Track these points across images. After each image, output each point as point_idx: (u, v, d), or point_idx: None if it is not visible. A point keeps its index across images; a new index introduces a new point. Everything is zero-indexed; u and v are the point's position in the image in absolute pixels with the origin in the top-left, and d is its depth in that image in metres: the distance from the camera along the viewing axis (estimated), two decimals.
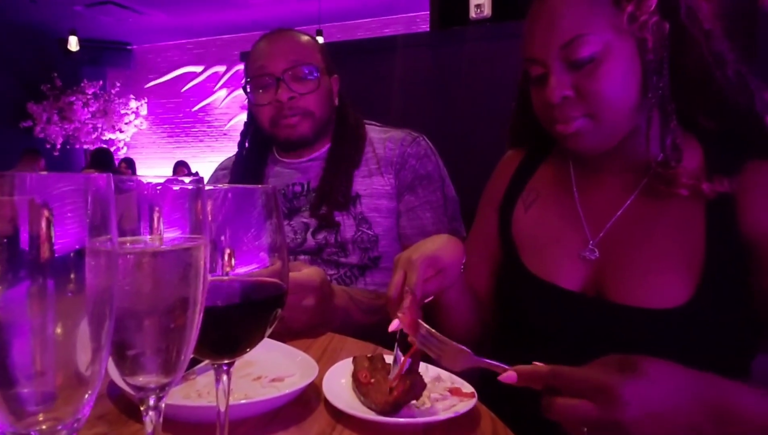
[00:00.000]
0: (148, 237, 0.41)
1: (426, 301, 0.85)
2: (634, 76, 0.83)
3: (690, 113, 0.86)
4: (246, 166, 1.45)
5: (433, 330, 0.68)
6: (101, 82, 8.72)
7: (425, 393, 0.70)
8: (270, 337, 0.57)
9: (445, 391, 0.72)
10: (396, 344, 0.73)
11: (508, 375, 0.63)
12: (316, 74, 1.32)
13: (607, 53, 0.81)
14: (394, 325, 0.72)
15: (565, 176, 0.99)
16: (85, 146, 8.41)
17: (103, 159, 6.57)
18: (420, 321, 0.71)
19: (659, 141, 0.84)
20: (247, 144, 1.48)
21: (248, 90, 1.36)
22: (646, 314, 0.80)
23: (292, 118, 1.31)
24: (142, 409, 0.42)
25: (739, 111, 0.82)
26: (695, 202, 0.83)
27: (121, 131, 8.82)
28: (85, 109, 8.36)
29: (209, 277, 0.44)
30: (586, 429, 0.59)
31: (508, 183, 1.07)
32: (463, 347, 0.67)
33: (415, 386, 0.66)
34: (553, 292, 0.90)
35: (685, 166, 0.83)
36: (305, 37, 1.38)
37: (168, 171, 8.37)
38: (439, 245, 0.86)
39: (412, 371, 0.68)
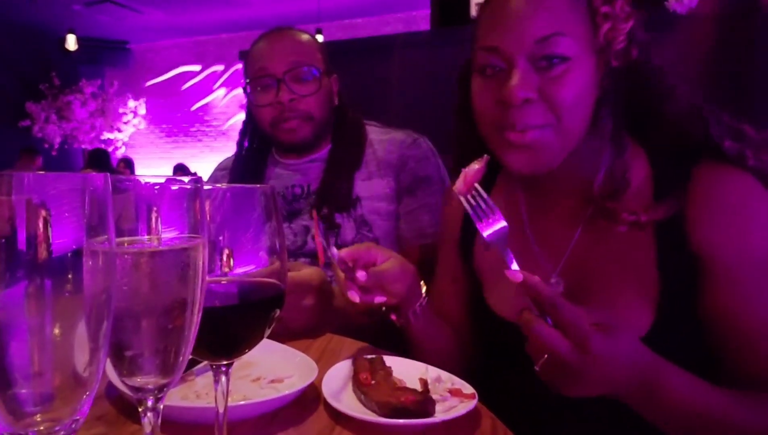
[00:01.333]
0: (146, 237, 0.41)
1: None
2: (591, 95, 0.79)
3: (640, 135, 0.84)
4: (245, 166, 1.45)
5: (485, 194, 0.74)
6: (99, 82, 8.70)
7: None
8: (269, 337, 0.57)
9: (446, 392, 0.72)
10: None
11: (515, 273, 0.67)
12: (317, 75, 1.31)
13: (576, 62, 0.77)
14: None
15: (515, 208, 0.94)
16: (84, 146, 8.39)
17: (100, 159, 6.56)
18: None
19: (608, 171, 0.79)
20: (246, 144, 1.48)
21: (248, 90, 1.35)
22: None
23: (293, 122, 1.30)
24: (140, 410, 0.42)
25: (691, 135, 0.80)
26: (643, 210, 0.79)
27: (119, 131, 8.80)
28: (84, 108, 8.34)
29: (207, 278, 0.43)
30: (545, 356, 0.64)
31: (463, 218, 1.01)
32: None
33: (427, 403, 0.66)
34: (517, 332, 0.87)
35: (629, 188, 0.79)
36: (305, 37, 1.37)
37: (166, 171, 8.36)
38: (396, 259, 0.88)
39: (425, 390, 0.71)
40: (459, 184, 0.76)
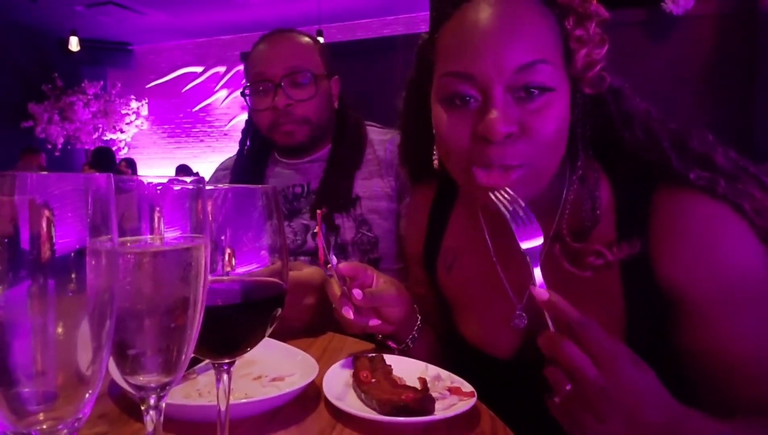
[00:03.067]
0: (149, 237, 0.41)
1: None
2: (566, 128, 0.73)
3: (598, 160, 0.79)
4: (247, 166, 1.45)
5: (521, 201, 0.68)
6: (102, 83, 8.71)
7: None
8: (270, 336, 0.57)
9: (445, 390, 0.73)
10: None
11: (541, 292, 0.62)
12: (314, 80, 1.30)
13: (557, 93, 0.70)
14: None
15: (478, 233, 0.87)
16: (86, 146, 8.41)
17: (104, 157, 6.55)
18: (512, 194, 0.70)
19: (577, 208, 0.75)
20: (248, 144, 1.48)
21: (246, 94, 1.35)
22: None
23: (289, 126, 1.31)
24: (142, 408, 0.43)
25: (652, 163, 0.74)
26: (606, 242, 0.74)
27: (121, 131, 8.82)
28: (86, 109, 8.36)
29: (209, 277, 0.44)
30: (568, 387, 0.58)
31: (425, 237, 0.97)
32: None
33: (426, 401, 0.66)
34: (485, 361, 0.85)
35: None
36: (305, 40, 1.37)
37: (168, 171, 8.36)
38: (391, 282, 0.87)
39: (424, 389, 0.71)
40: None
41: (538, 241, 0.65)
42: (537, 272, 0.65)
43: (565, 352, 0.57)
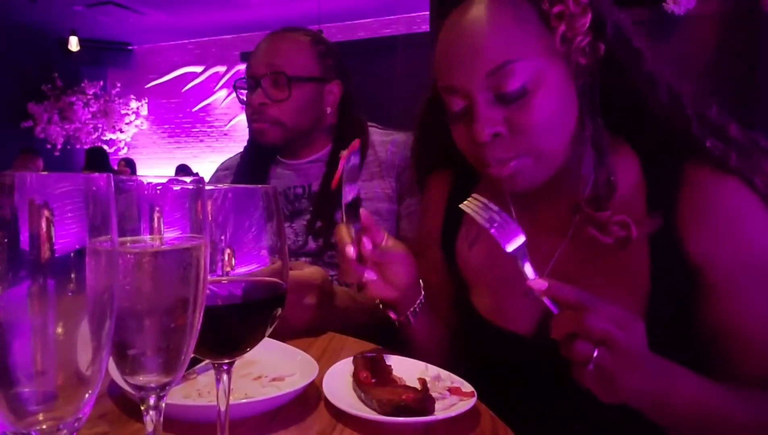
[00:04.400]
0: (149, 237, 0.41)
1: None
2: (570, 103, 0.74)
3: (624, 133, 0.80)
4: (249, 166, 1.45)
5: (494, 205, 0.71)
6: (102, 83, 8.71)
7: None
8: (270, 336, 0.57)
9: (445, 391, 0.72)
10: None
11: (538, 283, 0.64)
12: (289, 83, 1.29)
13: (540, 81, 0.71)
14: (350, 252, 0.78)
15: (503, 207, 0.87)
16: (86, 146, 8.41)
17: (97, 157, 6.52)
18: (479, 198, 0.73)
19: (593, 176, 0.76)
20: (250, 144, 1.49)
21: (237, 86, 1.38)
22: None
23: (261, 124, 1.32)
24: (142, 408, 0.43)
25: (676, 132, 0.75)
26: (634, 217, 0.75)
27: (121, 131, 8.82)
28: (86, 109, 8.36)
29: (209, 277, 0.44)
30: (595, 353, 0.60)
31: (443, 217, 0.98)
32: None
33: (427, 400, 0.66)
34: (503, 336, 0.85)
35: (617, 194, 0.75)
36: (301, 40, 1.35)
37: (169, 171, 8.36)
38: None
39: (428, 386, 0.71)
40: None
41: (520, 241, 0.68)
42: (527, 268, 0.68)
43: (590, 322, 0.60)
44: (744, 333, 0.72)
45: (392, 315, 0.89)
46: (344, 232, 0.80)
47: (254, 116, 1.32)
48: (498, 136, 0.73)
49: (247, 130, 1.50)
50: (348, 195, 0.79)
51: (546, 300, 0.65)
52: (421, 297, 0.89)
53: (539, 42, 0.72)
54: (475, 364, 0.94)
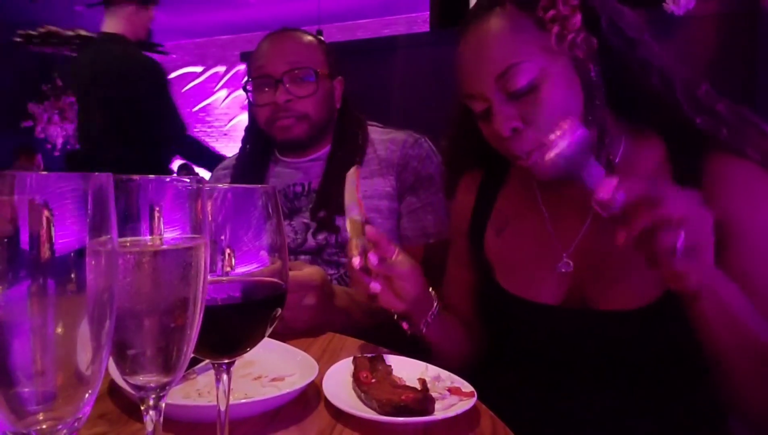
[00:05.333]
0: (149, 237, 0.41)
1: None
2: (575, 93, 0.82)
3: (634, 118, 0.86)
4: (248, 165, 1.45)
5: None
6: None
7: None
8: (270, 336, 0.57)
9: (445, 391, 0.73)
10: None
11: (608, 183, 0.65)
12: (315, 78, 1.31)
13: (545, 77, 0.80)
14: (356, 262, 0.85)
15: (532, 197, 0.98)
16: None
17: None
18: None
19: (599, 157, 0.82)
20: (249, 143, 1.48)
21: (248, 89, 1.36)
22: (623, 316, 0.81)
23: (287, 120, 1.31)
24: (142, 408, 0.43)
25: (675, 115, 0.82)
26: None
27: None
28: None
29: (209, 277, 0.44)
30: (681, 240, 0.62)
31: (473, 209, 1.05)
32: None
33: (426, 401, 0.67)
34: (532, 307, 0.90)
35: (644, 170, 0.83)
36: (309, 38, 1.37)
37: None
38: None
39: (424, 389, 0.71)
40: None
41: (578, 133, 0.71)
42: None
43: (670, 210, 0.62)
44: (757, 289, 0.75)
45: (404, 326, 0.92)
46: (353, 244, 0.86)
47: (279, 114, 1.31)
48: (516, 130, 0.82)
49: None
50: (351, 211, 0.84)
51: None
52: (434, 308, 0.92)
53: (538, 44, 0.81)
54: (499, 345, 0.99)
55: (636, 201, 0.64)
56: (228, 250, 0.50)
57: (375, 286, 0.86)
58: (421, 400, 0.66)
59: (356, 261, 0.85)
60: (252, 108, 1.39)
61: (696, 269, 0.65)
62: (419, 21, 7.12)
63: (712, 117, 0.80)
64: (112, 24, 2.65)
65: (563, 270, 0.89)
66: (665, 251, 0.63)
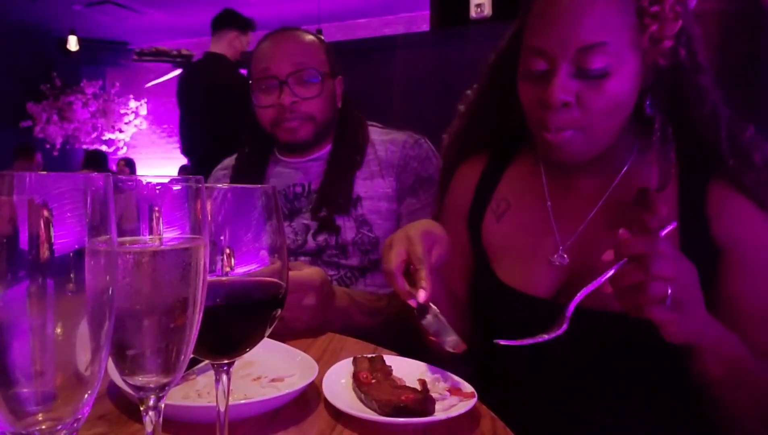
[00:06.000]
0: (148, 237, 0.41)
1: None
2: (634, 95, 0.82)
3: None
4: (247, 165, 1.45)
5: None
6: (101, 82, 8.70)
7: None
8: (270, 337, 0.57)
9: (445, 391, 0.72)
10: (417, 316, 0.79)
11: (609, 253, 0.70)
12: (320, 78, 1.31)
13: (619, 67, 0.78)
14: (422, 296, 0.76)
15: (537, 182, 0.96)
16: (85, 146, 8.40)
17: (97, 161, 6.51)
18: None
19: (658, 171, 0.83)
20: (248, 143, 1.48)
21: (252, 91, 1.35)
22: (612, 317, 0.79)
23: (293, 122, 1.31)
24: (141, 409, 0.42)
25: (707, 145, 0.82)
26: (666, 203, 0.81)
27: (120, 131, 8.81)
28: (85, 108, 8.35)
29: (209, 277, 0.44)
30: (669, 292, 0.65)
31: (474, 193, 1.03)
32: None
33: (427, 401, 0.66)
34: (523, 299, 0.89)
35: (652, 179, 0.84)
36: (310, 38, 1.37)
37: (168, 170, 8.35)
38: (426, 224, 0.88)
39: (424, 389, 0.71)
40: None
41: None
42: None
43: (660, 266, 0.65)
44: (758, 311, 0.77)
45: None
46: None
47: (284, 115, 1.30)
48: (567, 105, 0.80)
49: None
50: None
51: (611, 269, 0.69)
52: None
53: (631, 33, 0.78)
54: (490, 332, 0.96)
55: (630, 258, 0.67)
56: (228, 251, 0.50)
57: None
58: (422, 400, 0.66)
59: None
60: (256, 109, 1.37)
61: (681, 321, 0.67)
62: (419, 20, 7.12)
63: (746, 163, 0.81)
64: (217, 46, 3.27)
65: (557, 263, 0.89)
66: (654, 301, 0.66)
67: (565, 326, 0.72)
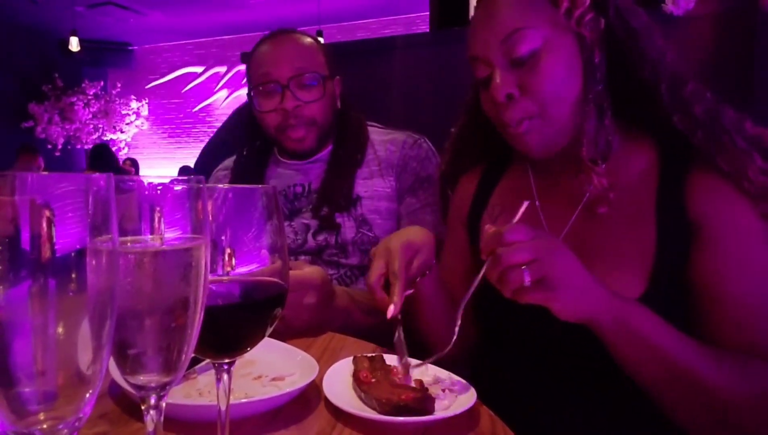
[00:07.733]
0: (149, 237, 0.42)
1: (408, 291, 0.87)
2: (575, 72, 0.83)
3: (634, 111, 0.87)
4: (247, 166, 1.45)
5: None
6: (102, 83, 8.72)
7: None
8: (271, 336, 0.57)
9: (445, 390, 0.73)
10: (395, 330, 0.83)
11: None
12: (321, 81, 1.31)
13: (548, 48, 0.81)
14: (390, 310, 0.82)
15: (525, 185, 0.99)
16: (86, 147, 8.41)
17: (101, 154, 6.43)
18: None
19: (595, 139, 0.83)
20: (247, 144, 1.48)
21: (252, 95, 1.35)
22: None
23: (299, 131, 1.30)
24: (143, 408, 0.43)
25: (659, 112, 0.82)
26: (647, 190, 0.83)
27: (122, 132, 8.83)
28: (86, 109, 8.37)
29: (210, 277, 0.44)
30: (525, 272, 0.68)
31: (472, 199, 1.07)
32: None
33: (426, 400, 0.67)
34: (519, 311, 0.88)
35: (634, 165, 0.85)
36: (309, 40, 1.36)
37: (169, 171, 8.37)
38: (410, 232, 0.92)
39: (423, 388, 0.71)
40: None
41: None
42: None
43: (509, 238, 0.69)
44: (731, 294, 0.76)
45: None
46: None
47: (290, 121, 1.29)
48: (512, 97, 0.83)
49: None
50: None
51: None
52: (433, 264, 0.94)
53: (546, 14, 0.82)
54: (493, 337, 0.99)
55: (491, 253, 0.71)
56: (228, 250, 0.50)
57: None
58: (421, 399, 0.66)
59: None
60: (258, 114, 1.35)
61: (561, 296, 0.69)
62: (419, 21, 7.12)
63: (688, 117, 0.80)
64: None
65: None
66: (515, 288, 0.69)
67: (454, 338, 0.77)
